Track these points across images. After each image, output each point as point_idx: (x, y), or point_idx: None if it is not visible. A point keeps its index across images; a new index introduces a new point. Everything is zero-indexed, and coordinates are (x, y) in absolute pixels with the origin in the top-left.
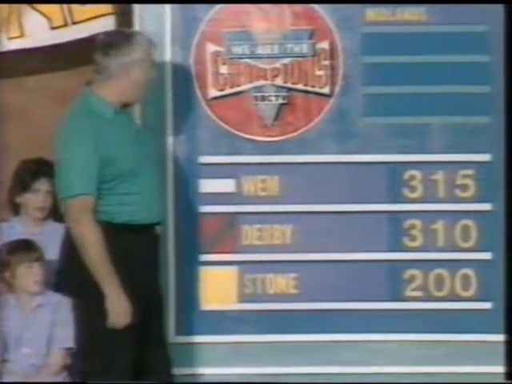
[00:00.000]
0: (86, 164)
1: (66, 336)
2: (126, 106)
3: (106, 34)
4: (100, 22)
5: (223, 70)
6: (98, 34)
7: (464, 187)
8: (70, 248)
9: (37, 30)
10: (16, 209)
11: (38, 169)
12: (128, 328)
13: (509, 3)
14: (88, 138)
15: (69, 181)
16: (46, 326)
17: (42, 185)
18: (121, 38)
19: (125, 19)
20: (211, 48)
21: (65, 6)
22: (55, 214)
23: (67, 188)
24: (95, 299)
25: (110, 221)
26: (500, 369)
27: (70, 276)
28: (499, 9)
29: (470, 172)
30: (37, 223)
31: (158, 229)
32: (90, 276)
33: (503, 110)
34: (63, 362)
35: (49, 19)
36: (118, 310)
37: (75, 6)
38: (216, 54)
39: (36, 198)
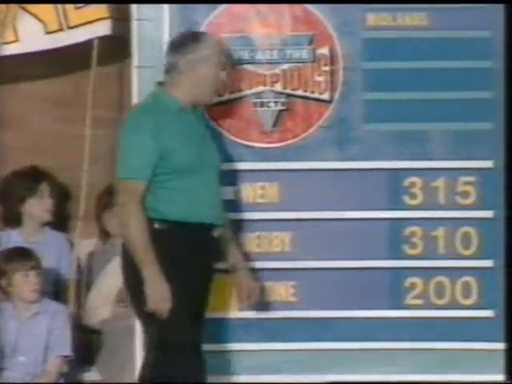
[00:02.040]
0: (144, 151)
1: (63, 344)
2: (196, 105)
3: (177, 35)
4: (95, 27)
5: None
6: (93, 39)
7: (465, 194)
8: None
9: (32, 34)
10: (17, 218)
11: (38, 173)
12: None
13: (509, 3)
14: (149, 130)
15: (125, 164)
16: (42, 334)
17: (45, 188)
18: (188, 36)
19: (122, 24)
20: None
21: (60, 10)
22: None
23: (122, 170)
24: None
25: (157, 217)
26: (500, 377)
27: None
28: (501, 14)
29: (470, 179)
30: (35, 231)
31: (216, 231)
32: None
33: (505, 116)
34: (60, 369)
35: (44, 24)
36: (157, 294)
37: (71, 11)
38: None
39: (43, 201)
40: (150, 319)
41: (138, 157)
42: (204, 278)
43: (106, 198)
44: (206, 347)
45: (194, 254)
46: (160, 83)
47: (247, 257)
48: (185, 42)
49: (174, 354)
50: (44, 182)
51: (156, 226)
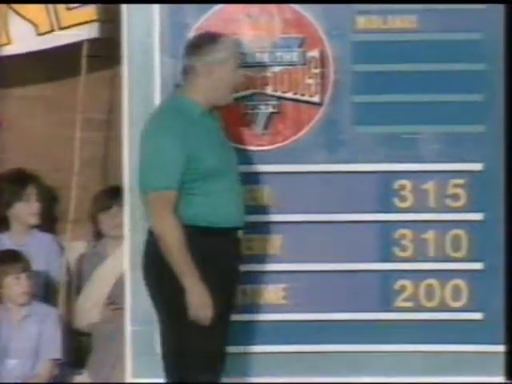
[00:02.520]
0: (173, 161)
1: (54, 347)
2: (213, 107)
3: (194, 36)
4: (87, 29)
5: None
6: (83, 42)
7: (455, 197)
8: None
9: (24, 36)
10: (5, 222)
11: (25, 177)
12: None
13: (509, 3)
14: (177, 136)
15: (154, 175)
16: (33, 337)
17: (32, 191)
18: (205, 38)
19: (112, 26)
20: None
21: (52, 12)
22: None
23: (154, 180)
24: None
25: (193, 224)
26: (490, 379)
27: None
28: (494, 16)
29: (461, 181)
30: (24, 234)
31: (240, 233)
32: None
33: (495, 119)
34: (50, 373)
35: (35, 25)
36: (200, 302)
37: (62, 12)
38: None
39: (29, 204)
40: (175, 326)
41: (169, 166)
42: (231, 282)
43: (104, 200)
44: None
45: (222, 259)
46: (177, 86)
47: None
48: (202, 43)
49: (197, 361)
50: (31, 185)
51: (187, 231)
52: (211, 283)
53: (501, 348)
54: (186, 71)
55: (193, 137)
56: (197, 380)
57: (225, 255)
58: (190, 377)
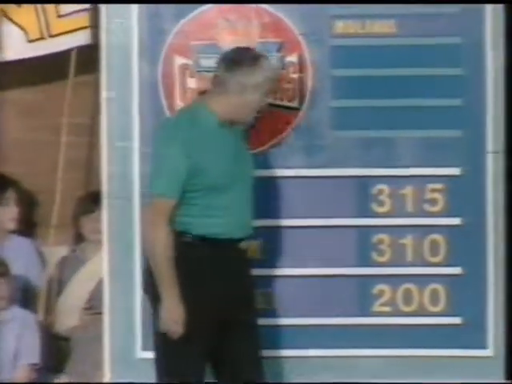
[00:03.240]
0: (175, 168)
1: (32, 351)
2: (233, 123)
3: (234, 49)
4: (77, 36)
5: (191, 83)
6: (73, 49)
7: (433, 201)
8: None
9: (14, 43)
10: None
11: (4, 181)
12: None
13: (509, 3)
14: (183, 146)
15: (156, 180)
16: (11, 342)
17: (11, 195)
18: (247, 57)
19: (95, 32)
20: (179, 61)
21: (42, 19)
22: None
23: (153, 186)
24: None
25: (186, 231)
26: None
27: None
28: (472, 20)
29: (438, 186)
30: (3, 238)
31: (244, 244)
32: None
33: (473, 123)
34: (28, 377)
35: (26, 32)
36: (171, 316)
37: (53, 20)
38: (184, 67)
39: (8, 209)
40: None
41: (168, 174)
42: (233, 291)
43: (87, 204)
44: None
45: (220, 269)
46: (201, 92)
47: None
48: (241, 62)
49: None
50: (10, 189)
51: (183, 239)
52: (200, 294)
53: (479, 352)
54: (217, 82)
55: (200, 148)
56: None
57: (221, 267)
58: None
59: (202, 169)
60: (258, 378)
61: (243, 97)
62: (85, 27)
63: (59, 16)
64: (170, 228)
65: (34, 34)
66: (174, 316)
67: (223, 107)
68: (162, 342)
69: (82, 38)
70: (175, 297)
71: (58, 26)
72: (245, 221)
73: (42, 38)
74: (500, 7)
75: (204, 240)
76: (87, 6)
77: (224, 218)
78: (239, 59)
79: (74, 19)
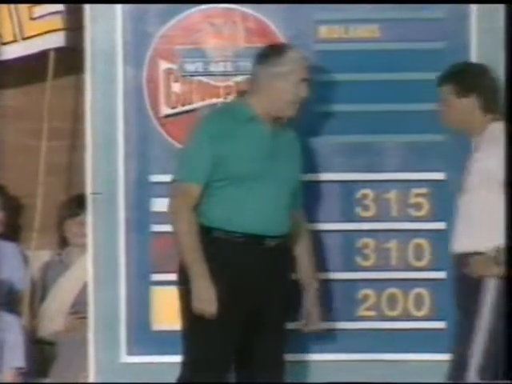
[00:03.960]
0: (201, 155)
1: (17, 356)
2: (277, 120)
3: (263, 47)
4: (50, 38)
5: (175, 87)
6: (50, 51)
7: (417, 206)
8: None
9: None
10: None
11: None
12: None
13: (509, 3)
14: (210, 133)
15: (181, 166)
16: None
17: None
18: (274, 49)
19: (75, 35)
20: (163, 65)
21: (16, 21)
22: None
23: (178, 172)
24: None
25: (211, 225)
26: None
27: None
28: (456, 25)
29: (423, 191)
30: None
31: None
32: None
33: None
34: (13, 381)
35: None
36: (202, 296)
37: (26, 22)
38: (168, 72)
39: None
40: (189, 328)
41: (194, 161)
42: (254, 290)
43: (71, 207)
44: (155, 359)
45: (239, 265)
46: (241, 92)
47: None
48: (268, 54)
49: (204, 369)
50: None
51: (207, 233)
52: (222, 287)
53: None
54: (251, 78)
55: (227, 138)
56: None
57: (240, 262)
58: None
59: (226, 159)
60: (276, 380)
61: (272, 87)
62: (58, 29)
63: (32, 18)
64: (193, 214)
65: (8, 37)
66: (206, 294)
67: (257, 101)
68: (190, 328)
69: (55, 41)
70: (206, 275)
71: (30, 28)
72: (269, 217)
73: (14, 41)
74: (486, 11)
75: (231, 234)
76: (61, 8)
77: (249, 212)
78: (267, 52)
79: (47, 21)
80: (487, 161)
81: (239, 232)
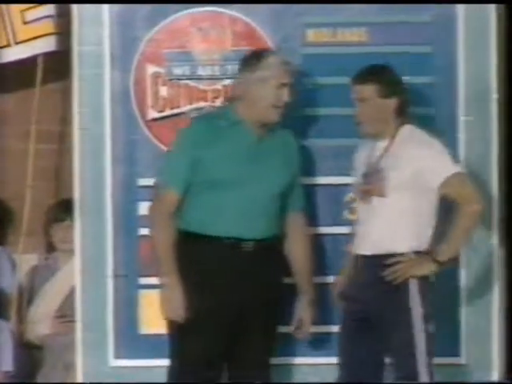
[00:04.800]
0: (180, 161)
1: (4, 359)
2: (264, 125)
3: (247, 53)
4: (41, 42)
5: (163, 91)
6: (38, 55)
7: None
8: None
9: None
10: None
11: None
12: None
13: (509, 3)
14: (190, 139)
15: (162, 171)
16: None
17: None
18: (253, 56)
19: (63, 39)
20: (151, 69)
21: (8, 25)
22: None
23: (158, 176)
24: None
25: (192, 230)
26: None
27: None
28: (443, 29)
29: None
30: None
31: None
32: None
33: (444, 132)
34: None
35: None
36: (171, 303)
37: (18, 27)
38: (156, 75)
39: None
40: (174, 332)
41: (173, 166)
42: (234, 293)
43: (57, 212)
44: (143, 363)
45: (216, 268)
46: (228, 99)
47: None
48: (249, 59)
49: (183, 368)
50: None
51: (179, 235)
52: (195, 290)
53: (452, 360)
54: (235, 84)
55: (209, 144)
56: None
57: (218, 265)
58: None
59: (205, 162)
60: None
61: (254, 92)
62: (50, 33)
63: (25, 23)
64: (172, 220)
65: (1, 41)
66: (175, 304)
67: (242, 107)
68: (174, 332)
69: (47, 45)
70: (176, 285)
71: (23, 32)
72: (250, 222)
73: (8, 45)
74: (473, 14)
75: (207, 238)
76: (52, 12)
77: (225, 216)
78: (247, 58)
79: (40, 25)
80: (409, 164)
81: (214, 236)
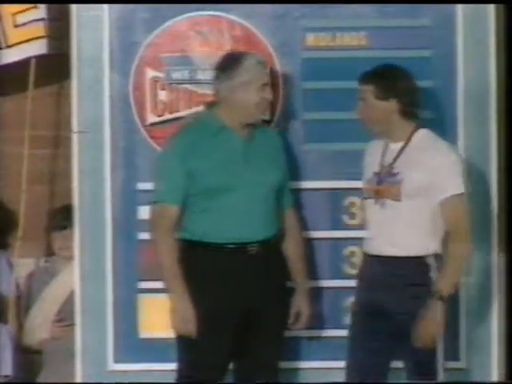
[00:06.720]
0: (173, 174)
1: (4, 363)
2: (248, 126)
3: (221, 57)
4: (32, 46)
5: (162, 95)
6: (31, 58)
7: None
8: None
9: None
10: None
11: None
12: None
13: (509, 3)
14: (180, 150)
15: (156, 187)
16: None
17: None
18: (229, 60)
19: (62, 43)
20: (150, 73)
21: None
22: None
23: (154, 194)
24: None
25: (192, 238)
26: None
27: None
28: (442, 33)
29: None
30: None
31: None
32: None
33: (444, 135)
34: None
35: None
36: (182, 316)
37: (10, 30)
38: (155, 80)
39: None
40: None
41: (167, 181)
42: (243, 297)
43: (59, 219)
44: (143, 367)
45: (223, 275)
46: (207, 104)
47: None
48: (224, 66)
49: (191, 372)
50: None
51: (183, 245)
52: (203, 298)
53: (451, 364)
54: (215, 92)
55: (198, 151)
56: None
57: (224, 271)
58: None
59: (198, 173)
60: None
61: (235, 98)
62: (41, 37)
63: (16, 26)
64: (174, 234)
65: None
66: (185, 316)
67: (224, 112)
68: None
69: (38, 48)
70: (184, 298)
71: (14, 35)
72: (252, 225)
73: None
74: (472, 17)
75: (212, 246)
76: (44, 15)
77: (226, 222)
78: (223, 65)
79: (31, 29)
80: (426, 171)
81: (219, 243)
